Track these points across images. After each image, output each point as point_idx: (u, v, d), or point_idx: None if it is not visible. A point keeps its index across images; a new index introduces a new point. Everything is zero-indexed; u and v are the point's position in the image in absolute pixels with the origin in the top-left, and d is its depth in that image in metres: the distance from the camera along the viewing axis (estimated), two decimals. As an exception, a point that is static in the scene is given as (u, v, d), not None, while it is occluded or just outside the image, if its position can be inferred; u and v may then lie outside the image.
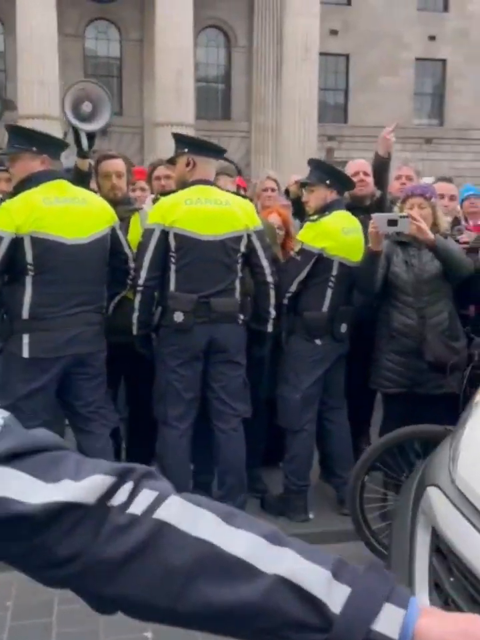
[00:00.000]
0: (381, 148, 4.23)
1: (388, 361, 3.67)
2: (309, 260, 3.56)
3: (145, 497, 0.74)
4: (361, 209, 4.16)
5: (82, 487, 0.73)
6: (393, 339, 3.65)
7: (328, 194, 3.67)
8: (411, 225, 3.42)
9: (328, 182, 3.64)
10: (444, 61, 24.61)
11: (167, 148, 17.40)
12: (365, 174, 4.24)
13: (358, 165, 4.33)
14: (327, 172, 3.69)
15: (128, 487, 0.75)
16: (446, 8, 24.58)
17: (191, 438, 3.50)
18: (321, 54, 21.52)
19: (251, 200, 5.07)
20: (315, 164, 3.79)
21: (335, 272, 3.61)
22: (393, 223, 3.37)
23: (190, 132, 19.18)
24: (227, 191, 3.62)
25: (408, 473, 3.90)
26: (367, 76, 23.91)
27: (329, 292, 3.62)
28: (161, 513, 0.73)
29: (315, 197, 3.69)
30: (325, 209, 3.64)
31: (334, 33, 23.63)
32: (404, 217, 3.40)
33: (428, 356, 3.56)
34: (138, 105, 22.67)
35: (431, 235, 3.53)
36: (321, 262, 3.58)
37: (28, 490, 0.72)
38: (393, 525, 2.31)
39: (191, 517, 0.73)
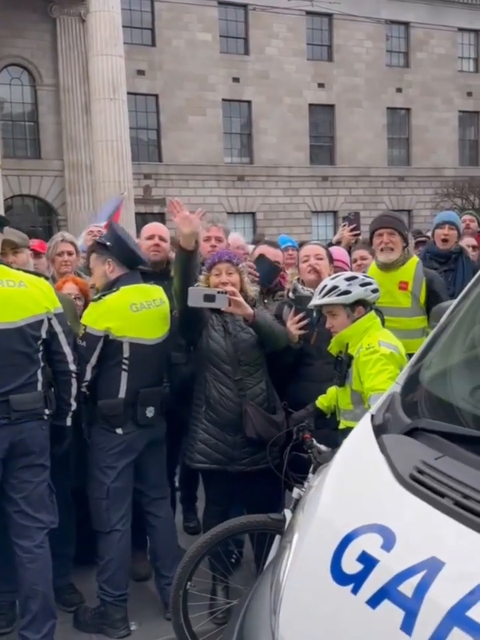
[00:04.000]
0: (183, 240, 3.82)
1: (203, 432, 3.39)
2: (94, 344, 3.22)
3: None
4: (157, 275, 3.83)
5: None
6: (210, 407, 3.38)
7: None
8: (227, 301, 3.22)
9: (108, 259, 3.33)
10: (249, 102, 25.53)
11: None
12: (161, 239, 3.97)
13: (153, 229, 4.04)
14: (106, 247, 3.35)
15: None
16: (246, 51, 25.58)
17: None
18: (130, 93, 21.40)
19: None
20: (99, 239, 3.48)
21: (126, 354, 3.28)
22: (209, 298, 3.19)
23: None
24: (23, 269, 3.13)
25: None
26: (177, 115, 24.15)
27: (125, 375, 3.28)
28: None
29: (97, 275, 3.39)
30: (111, 286, 3.31)
31: (141, 73, 23.67)
32: (222, 292, 3.21)
33: (249, 431, 3.33)
34: None
35: (249, 310, 3.37)
36: (109, 344, 3.25)
37: None
38: None
39: None
